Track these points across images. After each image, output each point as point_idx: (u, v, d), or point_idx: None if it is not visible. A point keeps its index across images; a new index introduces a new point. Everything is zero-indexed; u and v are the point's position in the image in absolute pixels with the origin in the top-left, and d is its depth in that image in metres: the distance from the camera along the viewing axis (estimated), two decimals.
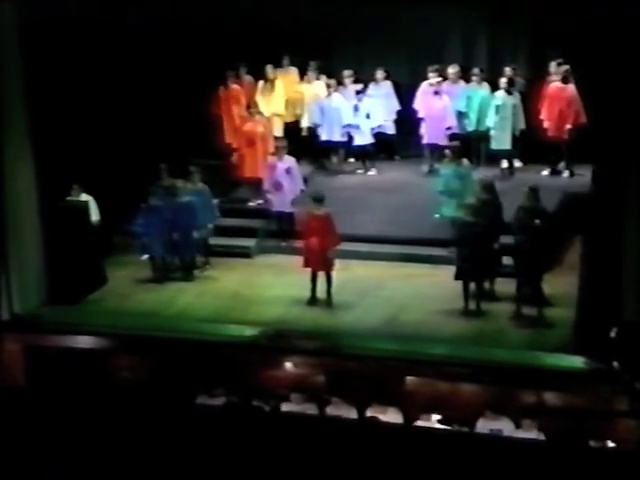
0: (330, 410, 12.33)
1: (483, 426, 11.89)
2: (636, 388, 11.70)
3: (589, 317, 12.51)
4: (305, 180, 16.64)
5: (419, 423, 11.98)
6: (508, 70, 17.06)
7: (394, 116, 17.99)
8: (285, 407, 12.38)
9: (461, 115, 17.34)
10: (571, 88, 16.58)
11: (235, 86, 17.60)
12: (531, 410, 12.04)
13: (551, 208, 14.60)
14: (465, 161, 15.55)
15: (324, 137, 17.68)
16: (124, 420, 10.35)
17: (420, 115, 17.41)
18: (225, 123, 17.59)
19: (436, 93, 17.09)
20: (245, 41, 17.30)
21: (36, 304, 14.57)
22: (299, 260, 14.43)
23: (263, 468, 9.65)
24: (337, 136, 17.66)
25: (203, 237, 15.65)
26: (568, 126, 16.61)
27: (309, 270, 14.33)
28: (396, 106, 17.98)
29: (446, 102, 17.11)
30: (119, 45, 16.00)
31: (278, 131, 17.56)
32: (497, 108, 16.80)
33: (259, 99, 17.54)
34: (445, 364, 12.60)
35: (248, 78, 17.87)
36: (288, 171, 15.97)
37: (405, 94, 17.80)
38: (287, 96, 17.75)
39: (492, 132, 16.95)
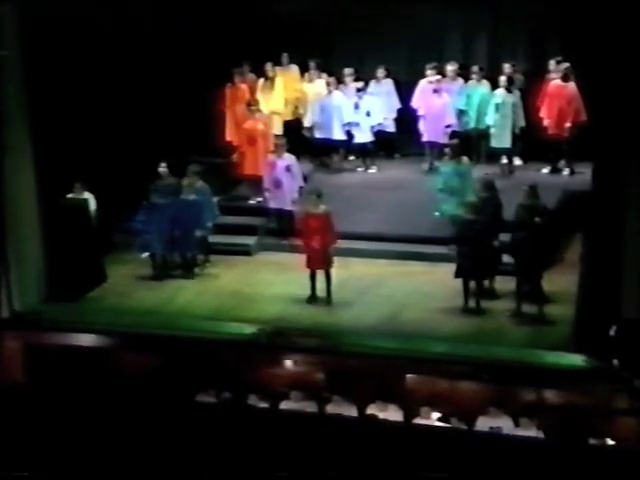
0: (330, 408, 12.33)
1: (483, 424, 11.90)
2: (635, 386, 11.70)
3: (589, 315, 12.51)
4: (305, 178, 16.62)
5: (419, 421, 11.99)
6: (507, 67, 17.03)
7: (395, 114, 17.97)
8: (285, 405, 12.39)
9: (461, 113, 17.33)
10: (571, 86, 16.54)
11: (242, 85, 17.56)
12: (531, 408, 12.04)
13: (551, 206, 14.61)
14: (465, 159, 15.55)
15: (324, 135, 17.63)
16: (124, 418, 10.37)
17: (419, 113, 17.37)
18: (228, 120, 17.56)
19: (435, 91, 17.06)
20: (246, 38, 17.28)
21: (36, 301, 14.57)
22: (299, 258, 14.40)
23: (263, 466, 9.66)
24: (338, 134, 17.65)
25: (203, 235, 15.64)
26: (568, 124, 16.57)
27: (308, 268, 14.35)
28: (397, 104, 17.93)
29: (445, 100, 17.07)
30: (120, 43, 15.97)
31: (278, 129, 17.53)
32: (497, 106, 16.78)
33: (259, 97, 17.51)
34: (445, 362, 12.59)
35: (251, 76, 17.84)
36: (288, 169, 15.95)
37: (405, 92, 17.77)
38: (287, 94, 17.72)
39: (492, 130, 16.93)
